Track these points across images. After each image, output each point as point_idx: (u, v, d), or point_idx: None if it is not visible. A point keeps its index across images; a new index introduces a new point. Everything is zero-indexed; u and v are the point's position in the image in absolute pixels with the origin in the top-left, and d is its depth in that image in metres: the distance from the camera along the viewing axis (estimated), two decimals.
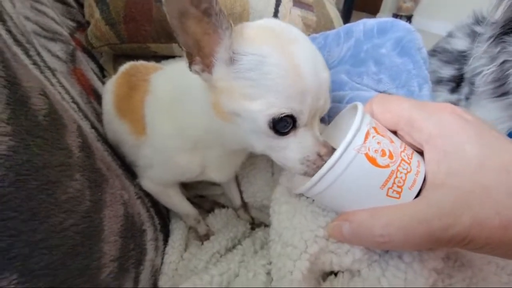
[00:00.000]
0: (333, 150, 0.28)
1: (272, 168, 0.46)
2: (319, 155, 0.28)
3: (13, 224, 0.21)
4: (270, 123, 0.26)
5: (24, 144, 0.23)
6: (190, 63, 0.28)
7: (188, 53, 0.27)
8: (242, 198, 0.49)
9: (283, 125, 0.27)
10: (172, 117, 0.36)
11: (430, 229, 0.22)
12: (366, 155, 0.25)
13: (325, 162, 0.25)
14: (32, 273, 0.22)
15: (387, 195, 0.25)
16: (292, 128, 0.27)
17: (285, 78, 0.26)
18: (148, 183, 0.42)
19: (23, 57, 0.34)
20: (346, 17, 1.67)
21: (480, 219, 0.21)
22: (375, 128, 0.26)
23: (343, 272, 0.31)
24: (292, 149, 0.28)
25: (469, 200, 0.22)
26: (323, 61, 0.29)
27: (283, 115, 0.26)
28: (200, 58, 0.27)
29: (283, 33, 0.28)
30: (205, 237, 0.47)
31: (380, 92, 0.42)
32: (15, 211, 0.21)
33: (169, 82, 0.38)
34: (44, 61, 0.39)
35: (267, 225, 0.49)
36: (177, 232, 0.46)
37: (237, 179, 0.48)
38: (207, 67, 0.28)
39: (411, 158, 0.26)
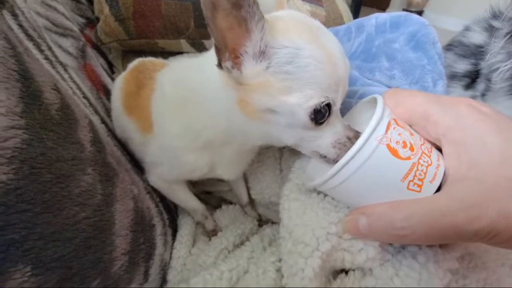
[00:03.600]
0: (358, 133, 0.28)
1: (280, 165, 0.46)
2: (348, 138, 0.29)
3: (28, 216, 0.21)
4: (312, 114, 0.27)
5: (37, 138, 0.23)
6: (220, 60, 0.27)
7: (218, 49, 0.26)
8: (249, 194, 0.49)
9: (321, 115, 0.27)
10: (181, 117, 0.35)
11: (455, 222, 0.22)
12: (388, 146, 0.24)
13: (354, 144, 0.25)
14: (46, 265, 0.22)
15: (408, 188, 0.24)
16: (327, 117, 0.28)
17: (322, 69, 0.26)
18: (155, 179, 0.43)
19: (35, 52, 0.35)
20: (355, 13, 1.64)
21: (507, 212, 0.21)
22: (395, 120, 0.26)
23: (354, 270, 0.31)
24: (326, 137, 0.29)
25: (495, 193, 0.22)
26: (341, 46, 0.30)
27: (323, 105, 0.26)
28: (228, 52, 0.26)
29: (310, 23, 0.29)
30: (213, 232, 0.47)
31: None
32: (30, 204, 0.22)
33: (176, 81, 0.37)
34: (55, 56, 0.39)
35: (274, 222, 0.48)
36: (185, 227, 0.46)
37: (244, 176, 0.48)
38: (235, 63, 0.27)
39: (431, 152, 0.26)
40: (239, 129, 0.32)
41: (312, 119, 0.27)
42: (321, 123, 0.28)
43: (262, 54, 0.26)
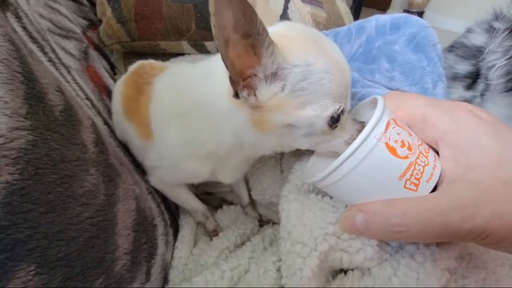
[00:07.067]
0: (363, 123, 0.29)
1: (280, 166, 0.46)
2: (359, 131, 0.29)
3: (32, 216, 0.22)
4: (329, 121, 0.28)
5: (42, 139, 0.24)
6: (236, 91, 0.27)
7: (233, 81, 0.26)
8: (250, 195, 0.49)
9: (335, 119, 0.29)
10: (182, 127, 0.35)
11: (449, 220, 0.22)
12: (387, 144, 0.24)
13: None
14: (50, 265, 0.23)
15: (404, 187, 0.25)
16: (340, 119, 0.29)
17: (333, 80, 0.27)
18: (156, 181, 0.43)
19: (39, 54, 0.35)
20: (356, 14, 1.64)
21: (501, 213, 0.21)
22: (394, 120, 0.26)
23: (352, 270, 0.31)
24: (340, 137, 0.30)
25: (490, 194, 0.22)
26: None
27: (338, 112, 0.28)
28: (242, 83, 0.26)
29: (311, 34, 0.29)
30: (214, 233, 0.47)
31: (393, 89, 0.41)
32: (34, 204, 0.22)
33: (175, 90, 0.37)
34: (59, 58, 0.40)
35: (275, 223, 0.49)
36: (187, 228, 0.46)
37: (245, 177, 0.49)
38: (248, 91, 0.27)
39: (428, 152, 0.26)
40: (251, 142, 0.32)
41: (330, 126, 0.28)
42: (336, 127, 0.29)
43: (273, 76, 0.26)
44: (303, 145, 0.31)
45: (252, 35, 0.23)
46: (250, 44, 0.24)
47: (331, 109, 0.27)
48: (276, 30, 0.29)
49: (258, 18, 0.22)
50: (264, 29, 0.23)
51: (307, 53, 0.27)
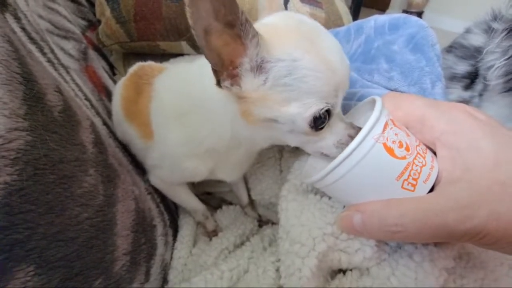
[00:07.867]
0: (360, 130, 0.28)
1: (280, 166, 0.46)
2: (350, 137, 0.29)
3: (31, 216, 0.22)
4: (311, 122, 0.27)
5: (40, 139, 0.24)
6: (218, 80, 0.27)
7: (215, 71, 0.26)
8: (249, 195, 0.49)
9: (321, 121, 0.27)
10: (182, 125, 0.35)
11: (446, 221, 0.22)
12: (384, 145, 0.24)
13: None
14: (49, 265, 0.23)
15: (402, 187, 0.25)
16: (327, 121, 0.28)
17: (320, 78, 0.26)
18: (156, 180, 0.43)
19: (37, 54, 0.35)
20: (355, 14, 1.65)
21: (498, 214, 0.22)
22: (392, 120, 0.26)
23: (351, 270, 0.31)
24: (328, 139, 0.29)
25: (487, 195, 0.22)
26: (340, 46, 0.29)
27: (322, 112, 0.27)
28: (225, 72, 0.26)
29: (306, 28, 0.28)
30: (213, 233, 0.48)
31: (391, 90, 0.41)
32: (33, 204, 0.22)
33: (174, 89, 0.37)
34: (58, 58, 0.40)
35: (274, 223, 0.49)
36: (186, 228, 0.46)
37: (245, 177, 0.49)
38: (233, 80, 0.27)
39: (425, 153, 0.26)
40: (245, 135, 0.32)
41: (312, 127, 0.27)
42: (321, 128, 0.28)
43: (259, 68, 0.26)
44: (291, 141, 0.31)
45: (236, 25, 0.23)
46: (237, 35, 0.24)
47: (314, 109, 0.26)
48: (271, 21, 0.29)
49: (239, 9, 0.22)
50: (247, 20, 0.23)
51: (295, 48, 0.26)
